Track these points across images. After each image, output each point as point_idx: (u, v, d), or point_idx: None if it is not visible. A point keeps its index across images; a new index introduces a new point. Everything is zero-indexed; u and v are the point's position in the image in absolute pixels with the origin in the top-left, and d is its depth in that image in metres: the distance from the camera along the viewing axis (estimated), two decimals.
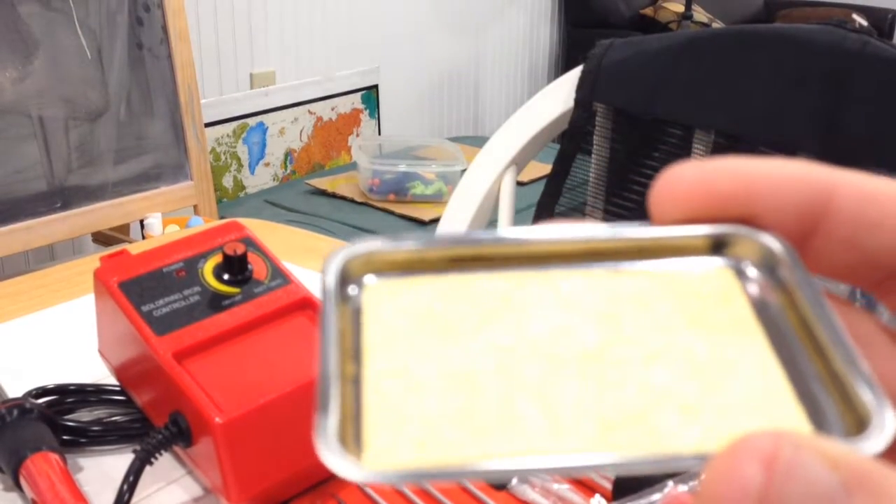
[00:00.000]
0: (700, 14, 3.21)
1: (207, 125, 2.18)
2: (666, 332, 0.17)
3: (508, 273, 0.19)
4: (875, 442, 0.15)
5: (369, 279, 0.19)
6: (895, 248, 0.17)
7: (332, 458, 0.15)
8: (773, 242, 0.18)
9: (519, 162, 1.07)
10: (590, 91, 1.02)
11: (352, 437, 0.16)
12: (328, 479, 0.51)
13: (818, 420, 0.16)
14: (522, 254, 0.19)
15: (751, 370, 0.17)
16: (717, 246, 0.18)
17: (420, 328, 0.18)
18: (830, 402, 0.16)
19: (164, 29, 1.72)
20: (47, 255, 2.02)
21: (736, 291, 0.18)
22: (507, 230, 0.19)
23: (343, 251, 0.18)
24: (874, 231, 0.17)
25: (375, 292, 0.18)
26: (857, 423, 0.15)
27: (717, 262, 0.19)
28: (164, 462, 0.50)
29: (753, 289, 0.18)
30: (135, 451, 0.47)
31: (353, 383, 0.16)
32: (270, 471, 0.47)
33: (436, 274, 0.19)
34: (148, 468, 0.47)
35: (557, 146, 1.09)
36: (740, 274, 0.18)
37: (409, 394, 0.16)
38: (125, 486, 0.46)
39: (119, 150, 1.68)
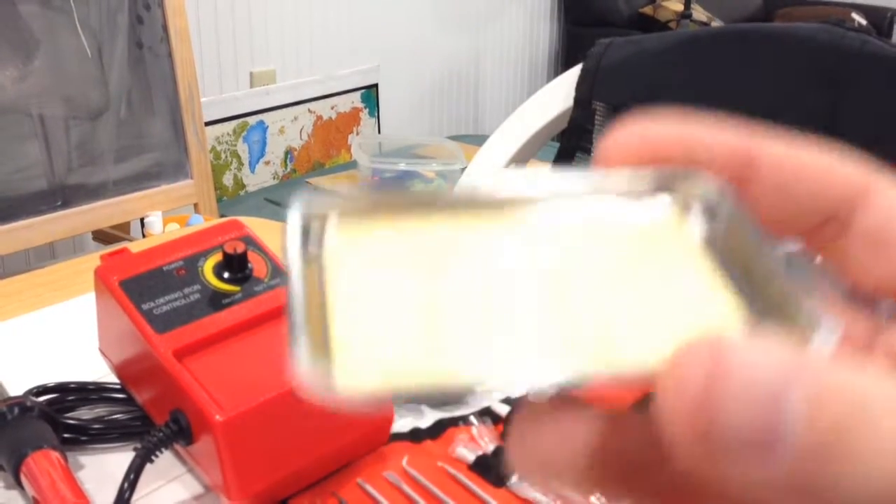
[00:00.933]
0: (699, 13, 3.21)
1: (208, 124, 2.18)
2: (620, 262, 0.19)
3: (466, 214, 0.19)
4: (817, 341, 0.16)
5: (331, 225, 0.19)
6: (819, 194, 0.19)
7: (307, 374, 0.16)
8: (713, 181, 0.19)
9: (518, 160, 1.07)
10: (589, 90, 1.02)
11: (322, 363, 0.16)
12: (328, 477, 0.51)
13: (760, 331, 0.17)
14: (480, 200, 0.20)
15: (697, 294, 0.18)
16: (664, 187, 0.20)
17: (384, 268, 0.18)
18: (770, 319, 0.17)
19: (165, 28, 1.72)
20: (48, 254, 2.02)
21: (683, 226, 0.20)
22: (463, 186, 0.20)
23: (303, 199, 0.19)
24: (799, 180, 0.19)
25: (339, 239, 0.19)
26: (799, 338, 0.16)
27: (664, 201, 0.20)
28: (165, 460, 0.50)
29: (697, 223, 0.19)
30: (135, 449, 0.47)
31: (322, 323, 0.17)
32: (271, 469, 0.47)
33: (397, 217, 0.19)
34: (148, 466, 0.47)
35: (557, 145, 1.09)
36: (686, 210, 0.20)
37: (374, 324, 0.17)
38: (126, 484, 0.46)
39: (119, 149, 1.68)
